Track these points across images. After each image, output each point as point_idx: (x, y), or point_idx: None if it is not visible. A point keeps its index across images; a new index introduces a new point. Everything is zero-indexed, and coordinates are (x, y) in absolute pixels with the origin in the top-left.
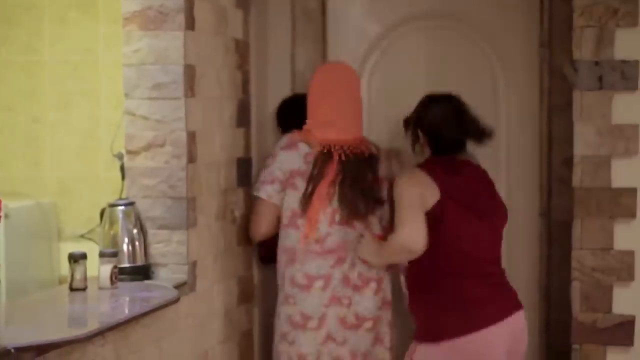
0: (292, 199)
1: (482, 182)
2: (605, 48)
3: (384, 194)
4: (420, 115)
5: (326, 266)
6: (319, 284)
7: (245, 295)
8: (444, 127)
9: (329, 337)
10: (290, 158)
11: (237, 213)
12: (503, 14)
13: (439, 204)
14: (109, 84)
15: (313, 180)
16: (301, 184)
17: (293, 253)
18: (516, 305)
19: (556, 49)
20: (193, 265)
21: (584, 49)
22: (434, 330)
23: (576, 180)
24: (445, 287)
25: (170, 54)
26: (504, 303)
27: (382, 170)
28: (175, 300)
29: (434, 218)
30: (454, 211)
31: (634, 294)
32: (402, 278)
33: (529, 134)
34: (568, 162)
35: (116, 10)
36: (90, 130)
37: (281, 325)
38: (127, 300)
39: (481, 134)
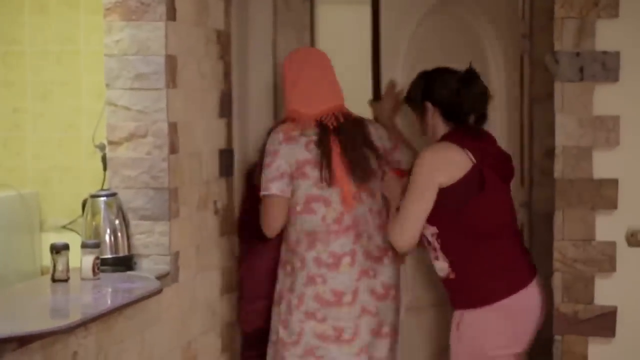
0: (305, 187)
1: (498, 147)
2: (586, 39)
3: (374, 161)
4: (429, 87)
5: (349, 243)
6: (346, 260)
7: (227, 286)
8: (460, 92)
9: (364, 310)
10: (293, 150)
11: (220, 204)
12: (486, 3)
13: (474, 171)
14: (90, 74)
15: (325, 156)
16: (310, 171)
17: (314, 236)
18: (535, 266)
19: (537, 40)
20: (175, 256)
21: (564, 40)
22: (478, 296)
23: (557, 171)
24: (483, 251)
25: (152, 45)
26: (530, 263)
27: (374, 136)
28: (158, 291)
29: (469, 186)
30: (490, 178)
31: (616, 285)
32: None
33: (510, 124)
34: (549, 153)
35: (97, 0)
36: (72, 121)
37: (306, 305)
38: (110, 291)
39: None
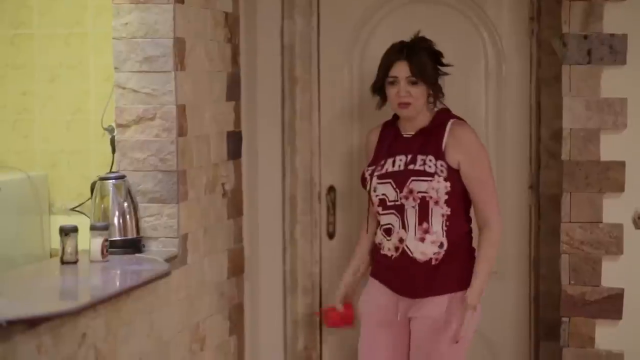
0: None
1: None
2: (594, 22)
3: None
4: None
5: None
6: None
7: (235, 268)
8: None
9: None
10: None
11: (228, 186)
12: None
13: None
14: (98, 57)
15: None
16: None
17: None
18: None
19: (545, 23)
20: (184, 238)
21: (572, 23)
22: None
23: (565, 154)
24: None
25: (160, 27)
26: None
27: None
28: (166, 274)
29: None
30: None
31: (623, 267)
32: None
33: (518, 107)
34: (557, 135)
35: None
36: (80, 104)
37: None
38: (118, 273)
39: None
